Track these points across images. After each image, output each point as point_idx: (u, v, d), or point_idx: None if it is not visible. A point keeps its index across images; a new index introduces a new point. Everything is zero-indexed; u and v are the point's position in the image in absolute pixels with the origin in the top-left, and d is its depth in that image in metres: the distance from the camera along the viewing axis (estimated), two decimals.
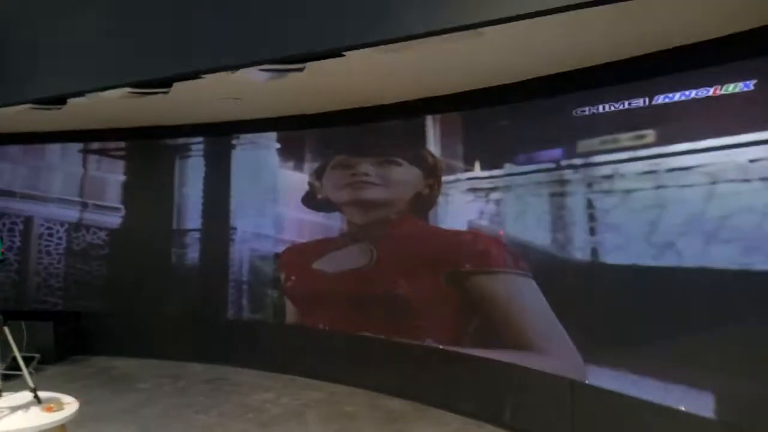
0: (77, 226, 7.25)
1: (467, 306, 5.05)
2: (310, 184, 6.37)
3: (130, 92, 4.00)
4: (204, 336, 6.84)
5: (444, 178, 5.32)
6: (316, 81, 4.38)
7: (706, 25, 3.25)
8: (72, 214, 7.26)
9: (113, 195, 7.25)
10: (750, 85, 3.28)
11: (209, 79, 3.91)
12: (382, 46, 3.19)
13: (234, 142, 6.82)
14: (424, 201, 5.46)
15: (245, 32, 3.21)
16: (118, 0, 3.69)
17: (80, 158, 7.31)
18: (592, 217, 4.26)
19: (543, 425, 4.51)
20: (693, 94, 3.56)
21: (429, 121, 5.45)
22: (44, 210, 7.29)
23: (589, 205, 4.26)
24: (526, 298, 4.61)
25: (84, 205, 7.26)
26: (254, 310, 6.69)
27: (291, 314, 6.47)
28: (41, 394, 3.85)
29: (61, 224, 7.26)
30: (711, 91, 3.48)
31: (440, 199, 5.35)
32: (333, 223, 6.21)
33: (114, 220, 7.21)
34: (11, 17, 4.19)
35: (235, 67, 3.39)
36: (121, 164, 7.28)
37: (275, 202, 6.59)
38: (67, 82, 4.02)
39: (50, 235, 7.28)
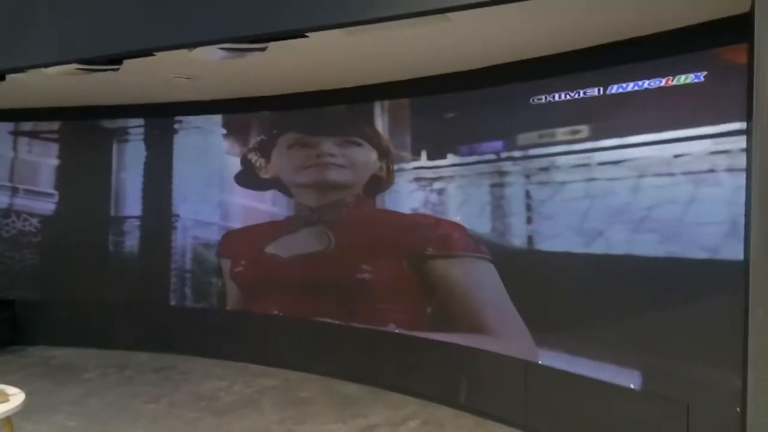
0: (6, 212, 6.87)
1: (428, 290, 5.07)
2: (248, 161, 6.20)
3: (78, 68, 3.80)
4: (148, 324, 6.63)
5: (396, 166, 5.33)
6: (273, 61, 4.28)
7: (660, 16, 3.36)
8: (1, 199, 6.87)
9: (46, 180, 6.90)
10: (701, 76, 3.42)
11: (161, 56, 3.77)
12: (349, 28, 3.15)
13: (176, 126, 6.58)
14: (380, 184, 5.44)
15: (206, 9, 3.10)
16: None
17: (10, 140, 6.90)
18: (528, 207, 4.48)
19: (497, 404, 4.63)
20: (646, 84, 3.68)
21: (385, 105, 5.44)
22: None
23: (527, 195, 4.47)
24: (486, 282, 4.67)
25: (14, 191, 6.88)
26: (199, 298, 6.54)
27: (238, 300, 6.34)
28: None
29: None
30: (663, 82, 3.61)
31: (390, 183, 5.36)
32: (278, 210, 6.11)
33: (47, 206, 6.87)
34: None
35: (194, 45, 3.27)
36: (54, 147, 6.92)
37: (220, 189, 6.42)
38: (9, 57, 3.78)
39: None
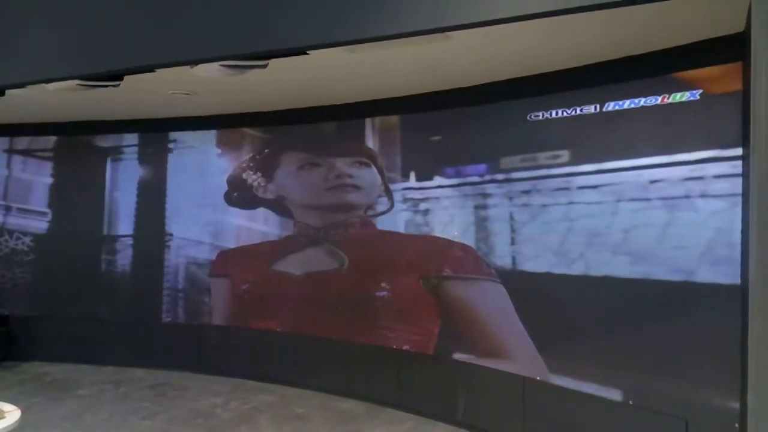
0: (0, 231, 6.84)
1: (441, 310, 4.97)
2: (242, 180, 6.16)
3: (78, 84, 3.82)
4: (143, 341, 6.60)
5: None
6: (273, 78, 4.31)
7: (656, 36, 3.41)
8: None
9: (40, 198, 6.87)
10: (696, 94, 3.47)
11: (161, 72, 3.79)
12: (350, 46, 3.19)
13: (171, 145, 6.59)
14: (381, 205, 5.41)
15: (208, 26, 3.13)
16: None
17: (5, 158, 6.88)
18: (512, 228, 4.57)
19: (495, 420, 4.61)
20: (642, 101, 3.73)
21: (377, 123, 5.49)
22: None
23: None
24: (498, 305, 4.59)
25: (7, 209, 6.86)
26: (193, 316, 6.50)
27: (236, 317, 6.30)
28: None
29: None
30: (659, 99, 3.65)
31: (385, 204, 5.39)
32: (271, 230, 6.12)
33: (40, 225, 6.85)
34: None
35: (195, 62, 3.29)
36: (48, 166, 6.89)
37: (213, 208, 6.40)
38: (10, 72, 3.80)
39: None
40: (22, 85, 4.03)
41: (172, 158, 6.59)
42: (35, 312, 6.78)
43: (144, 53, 3.33)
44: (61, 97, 4.83)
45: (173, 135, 6.57)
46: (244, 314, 6.27)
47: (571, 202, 4.16)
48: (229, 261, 6.33)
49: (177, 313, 6.57)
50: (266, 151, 6.14)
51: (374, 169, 5.43)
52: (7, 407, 3.66)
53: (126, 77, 3.91)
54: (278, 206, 6.06)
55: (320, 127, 5.82)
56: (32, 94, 4.62)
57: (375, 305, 5.39)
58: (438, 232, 5.04)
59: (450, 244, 4.92)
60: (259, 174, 6.13)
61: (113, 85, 3.93)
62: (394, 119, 5.39)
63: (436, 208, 5.06)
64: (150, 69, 3.50)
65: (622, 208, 3.86)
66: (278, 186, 6.06)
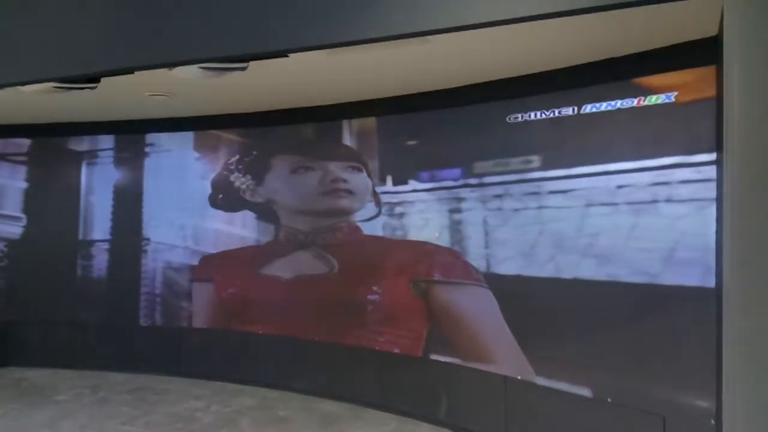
0: None
1: (430, 314, 4.95)
2: (228, 182, 6.11)
3: (55, 87, 3.77)
4: (122, 345, 6.53)
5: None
6: (252, 80, 4.30)
7: (639, 37, 3.47)
8: None
9: (14, 203, 6.76)
10: (671, 97, 3.53)
11: (139, 74, 3.76)
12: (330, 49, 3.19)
13: (147, 149, 6.54)
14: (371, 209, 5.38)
15: (188, 28, 3.11)
16: None
17: None
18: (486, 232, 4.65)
19: (477, 420, 4.65)
20: (619, 104, 3.79)
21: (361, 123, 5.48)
22: None
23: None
24: (486, 310, 4.60)
25: None
26: (171, 319, 6.46)
27: (219, 321, 6.26)
28: None
29: None
30: (635, 102, 3.71)
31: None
32: (249, 234, 6.11)
33: (14, 229, 6.74)
34: None
35: (175, 64, 3.27)
36: (22, 170, 6.78)
37: (191, 212, 6.36)
38: None
39: None
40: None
41: (148, 162, 6.53)
42: (12, 317, 6.67)
43: (122, 55, 3.30)
44: (35, 99, 4.76)
45: (150, 138, 6.51)
46: (228, 318, 6.21)
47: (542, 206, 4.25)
48: (212, 265, 6.28)
49: (155, 317, 6.51)
50: (255, 153, 6.08)
51: (365, 173, 5.40)
52: None
53: (103, 79, 3.88)
54: (264, 210, 6.01)
55: (303, 128, 5.80)
56: (7, 95, 4.56)
57: (365, 309, 5.36)
58: (415, 236, 5.06)
59: (438, 249, 4.91)
60: (248, 177, 6.06)
61: (90, 87, 3.89)
62: (371, 122, 5.40)
63: (412, 211, 5.09)
64: (129, 71, 3.47)
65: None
66: (268, 189, 5.99)
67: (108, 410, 5.31)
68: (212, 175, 6.25)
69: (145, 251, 6.49)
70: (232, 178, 6.14)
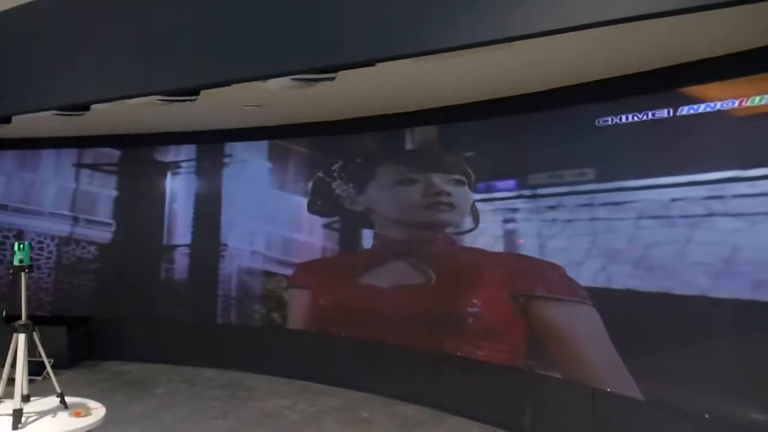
0: (68, 241, 7.24)
1: (530, 330, 4.78)
2: (329, 189, 6.21)
3: (159, 100, 4.01)
4: (215, 342, 6.85)
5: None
6: (339, 88, 4.40)
7: (729, 38, 3.30)
8: (64, 228, 7.25)
9: (104, 210, 7.25)
10: None
11: (234, 87, 3.94)
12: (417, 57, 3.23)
13: (225, 160, 6.87)
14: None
15: (281, 42, 3.24)
16: (153, 9, 3.71)
17: (72, 172, 7.28)
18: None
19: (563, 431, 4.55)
20: (719, 106, 3.61)
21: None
22: (36, 224, 7.26)
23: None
24: (591, 329, 4.37)
25: (75, 220, 7.26)
26: (246, 319, 6.74)
27: (310, 325, 6.41)
28: (67, 399, 3.87)
29: (52, 238, 7.23)
30: (737, 104, 3.52)
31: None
32: (319, 242, 6.31)
33: (105, 234, 7.22)
34: (41, 22, 4.21)
35: (268, 77, 3.41)
36: (113, 179, 7.26)
37: (265, 220, 6.63)
38: (96, 89, 4.04)
39: (41, 249, 7.21)
40: (107, 101, 4.26)
41: (227, 171, 6.88)
42: (104, 314, 7.14)
43: (222, 69, 3.48)
44: (135, 111, 5.08)
45: (228, 149, 6.86)
46: (323, 324, 6.32)
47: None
48: (309, 273, 6.43)
49: (230, 317, 6.85)
50: (359, 160, 6.10)
51: (467, 186, 5.27)
52: (93, 404, 3.88)
53: (202, 92, 4.10)
54: (363, 218, 6.05)
55: (415, 141, 5.78)
56: (112, 108, 4.90)
57: (464, 321, 5.25)
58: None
59: (540, 263, 4.72)
60: (350, 185, 6.12)
61: (191, 100, 4.11)
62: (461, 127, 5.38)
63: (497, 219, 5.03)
64: (226, 84, 3.65)
65: None
66: (369, 199, 5.98)
67: (202, 404, 5.60)
68: (310, 183, 6.41)
69: (223, 256, 6.82)
70: (334, 185, 6.21)
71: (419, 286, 5.61)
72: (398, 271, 5.77)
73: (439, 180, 5.46)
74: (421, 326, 5.59)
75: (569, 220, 4.54)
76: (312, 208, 6.39)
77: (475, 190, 5.19)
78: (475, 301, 5.19)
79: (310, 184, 6.39)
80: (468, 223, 5.25)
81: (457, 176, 5.33)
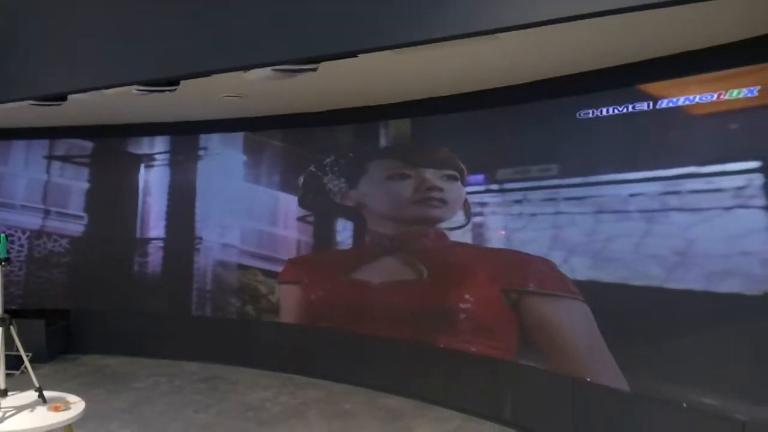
0: (39, 234, 7.13)
1: (522, 325, 4.75)
2: (320, 183, 6.15)
3: (137, 90, 3.96)
4: (196, 335, 6.80)
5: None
6: (320, 80, 4.38)
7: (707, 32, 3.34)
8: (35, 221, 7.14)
9: (77, 202, 7.14)
10: (755, 91, 3.38)
11: (215, 77, 3.90)
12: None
13: (200, 152, 6.81)
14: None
15: (262, 32, 3.21)
16: None
17: (44, 164, 7.16)
18: None
19: (543, 420, 4.59)
20: (697, 99, 3.65)
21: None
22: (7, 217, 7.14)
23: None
24: (582, 324, 4.36)
25: (47, 212, 7.14)
26: (221, 311, 6.72)
27: (300, 319, 6.37)
28: (45, 393, 3.81)
29: (23, 231, 7.12)
30: (715, 97, 3.57)
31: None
32: (291, 234, 6.30)
33: (76, 227, 7.13)
34: (17, 13, 4.12)
35: (249, 67, 3.38)
36: (85, 171, 7.16)
37: (240, 213, 6.61)
38: (73, 79, 3.98)
39: (11, 242, 7.06)
40: (85, 91, 4.19)
41: (201, 164, 6.82)
42: (93, 307, 7.05)
43: (202, 59, 3.44)
44: (112, 101, 4.99)
45: (204, 142, 6.81)
46: (314, 319, 6.27)
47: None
48: (299, 268, 6.38)
49: (205, 309, 6.81)
50: (351, 155, 6.03)
51: (460, 182, 5.20)
52: (72, 398, 3.82)
53: (181, 82, 4.05)
54: (351, 214, 6.01)
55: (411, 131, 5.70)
56: (89, 98, 4.82)
57: (456, 316, 5.22)
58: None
59: (531, 258, 4.71)
60: (342, 179, 6.04)
61: (170, 90, 4.06)
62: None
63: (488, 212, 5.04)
64: (207, 74, 3.61)
65: None
66: (361, 194, 5.91)
67: (183, 398, 5.56)
68: (301, 177, 6.33)
69: (198, 249, 6.80)
70: (326, 179, 6.13)
71: (411, 281, 5.57)
72: (389, 267, 5.71)
73: (431, 175, 5.40)
74: (413, 322, 5.54)
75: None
76: (303, 203, 6.34)
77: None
78: (467, 296, 5.17)
79: (302, 179, 6.33)
80: (459, 218, 5.23)
81: (450, 171, 5.27)
